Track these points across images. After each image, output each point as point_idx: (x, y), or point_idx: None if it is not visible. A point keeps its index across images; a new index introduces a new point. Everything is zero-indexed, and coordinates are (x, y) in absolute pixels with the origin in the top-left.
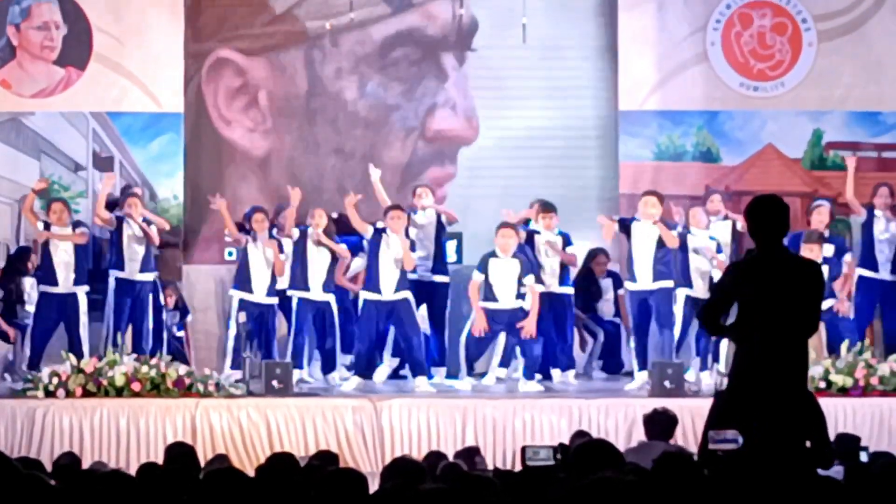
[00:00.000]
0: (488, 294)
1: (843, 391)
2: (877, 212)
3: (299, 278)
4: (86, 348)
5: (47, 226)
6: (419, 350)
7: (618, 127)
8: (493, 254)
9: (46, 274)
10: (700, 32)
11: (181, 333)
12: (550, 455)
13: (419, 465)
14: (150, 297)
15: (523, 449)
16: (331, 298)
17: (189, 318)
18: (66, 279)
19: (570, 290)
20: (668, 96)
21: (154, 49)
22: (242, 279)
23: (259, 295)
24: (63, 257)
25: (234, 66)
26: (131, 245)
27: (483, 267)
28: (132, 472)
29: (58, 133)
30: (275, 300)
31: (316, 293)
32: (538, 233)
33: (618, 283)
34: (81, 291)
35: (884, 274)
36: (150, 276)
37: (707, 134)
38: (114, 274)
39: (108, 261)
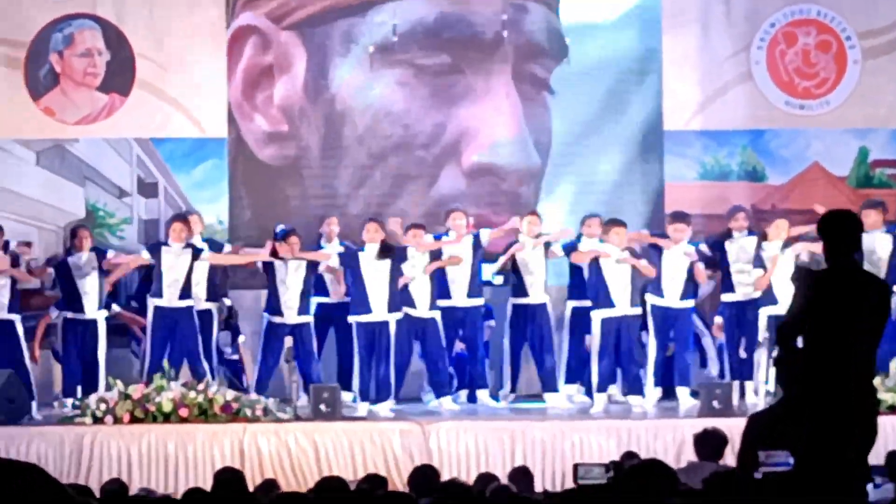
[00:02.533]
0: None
1: (893, 409)
2: None
3: (356, 299)
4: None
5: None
6: (444, 371)
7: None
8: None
9: (70, 300)
10: (744, 52)
11: (235, 357)
12: (603, 473)
13: (468, 487)
14: (196, 322)
15: (575, 467)
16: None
17: (241, 339)
18: (91, 305)
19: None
20: (712, 116)
21: (197, 75)
22: (273, 301)
23: (291, 316)
24: (90, 283)
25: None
26: (168, 271)
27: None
28: (179, 498)
29: (102, 159)
30: (310, 319)
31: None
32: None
33: None
34: (101, 317)
35: None
36: (190, 303)
37: (752, 153)
38: (153, 302)
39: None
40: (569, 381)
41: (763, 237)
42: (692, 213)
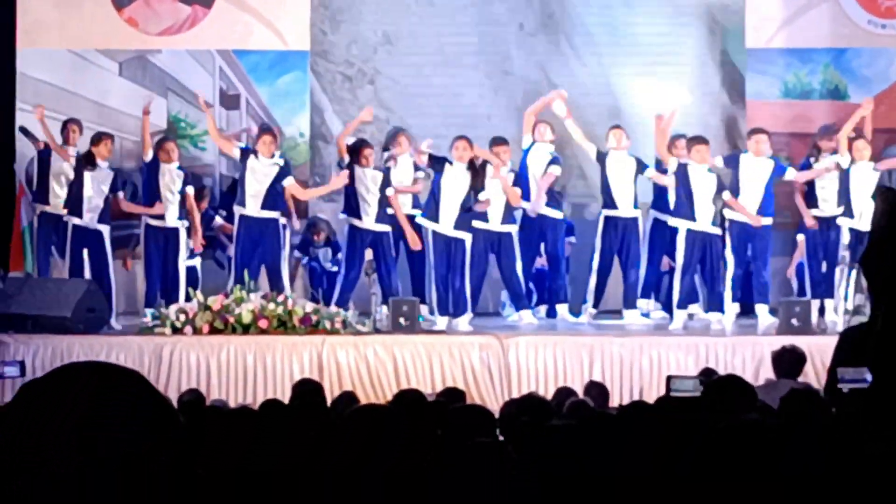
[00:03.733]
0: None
1: None
2: None
3: (432, 209)
4: (182, 284)
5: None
6: (521, 285)
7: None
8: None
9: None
10: None
11: (336, 268)
12: (696, 385)
13: (545, 401)
14: (281, 234)
15: (668, 378)
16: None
17: (340, 255)
18: (172, 214)
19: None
20: (795, 34)
21: None
22: (351, 206)
23: (369, 222)
24: (168, 190)
25: None
26: (253, 182)
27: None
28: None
29: (184, 71)
30: (388, 228)
31: (446, 227)
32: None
33: None
34: (182, 226)
35: None
36: (273, 214)
37: (834, 71)
38: (238, 210)
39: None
40: (644, 295)
41: (851, 158)
42: (774, 131)
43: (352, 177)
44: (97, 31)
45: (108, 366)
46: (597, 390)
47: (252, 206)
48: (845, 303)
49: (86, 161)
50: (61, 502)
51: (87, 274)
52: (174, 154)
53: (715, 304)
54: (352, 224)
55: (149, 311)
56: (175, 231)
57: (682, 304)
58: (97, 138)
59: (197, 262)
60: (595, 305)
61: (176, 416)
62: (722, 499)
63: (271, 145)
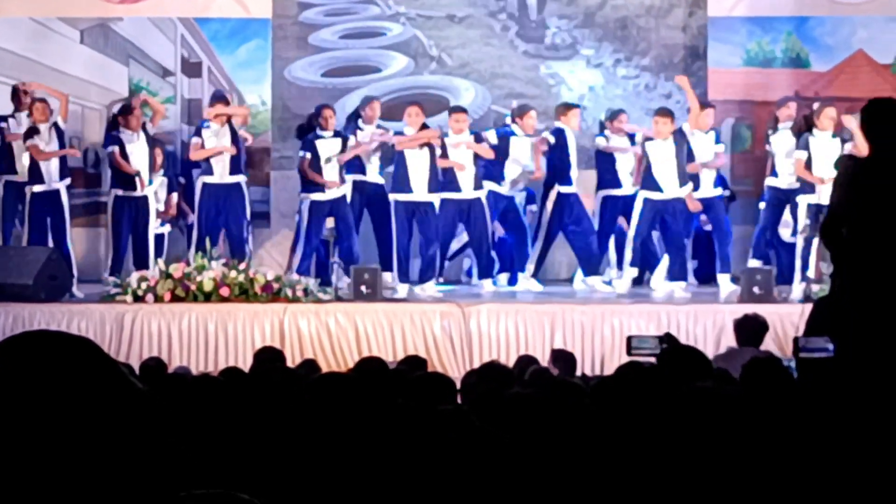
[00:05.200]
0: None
1: None
2: None
3: (400, 178)
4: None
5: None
6: (489, 251)
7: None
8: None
9: (122, 179)
10: None
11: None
12: (657, 344)
13: (507, 369)
14: (246, 199)
15: (629, 339)
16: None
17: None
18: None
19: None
20: (757, 2)
21: None
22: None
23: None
24: (141, 161)
25: None
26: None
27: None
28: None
29: (146, 39)
30: (346, 191)
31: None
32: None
33: None
34: (151, 192)
35: None
36: (238, 178)
37: (796, 40)
38: (202, 179)
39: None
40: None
41: (809, 126)
42: (735, 99)
43: (313, 146)
44: None
45: (56, 334)
46: (563, 358)
47: (219, 171)
48: (806, 272)
49: (29, 134)
50: (9, 472)
51: (50, 242)
52: (137, 121)
53: (677, 273)
54: (311, 199)
55: (111, 279)
56: (145, 199)
57: (634, 263)
58: (30, 104)
59: (166, 229)
60: (534, 274)
61: (131, 384)
62: (684, 466)
63: (223, 116)
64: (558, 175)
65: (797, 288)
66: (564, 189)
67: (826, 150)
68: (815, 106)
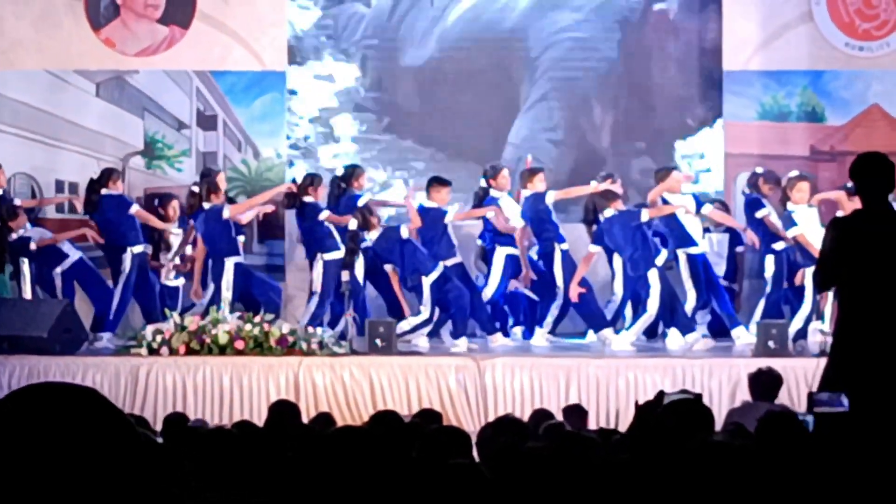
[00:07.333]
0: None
1: None
2: None
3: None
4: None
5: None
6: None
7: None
8: None
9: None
10: None
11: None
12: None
13: (522, 423)
14: None
15: (660, 393)
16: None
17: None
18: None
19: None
20: (772, 56)
21: (258, 7)
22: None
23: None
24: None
25: None
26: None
27: None
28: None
29: (161, 92)
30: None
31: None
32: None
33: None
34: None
35: None
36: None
37: (812, 94)
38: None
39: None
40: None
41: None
42: (751, 153)
43: (315, 211)
44: (74, 51)
45: (62, 385)
46: (576, 413)
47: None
48: (821, 323)
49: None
50: None
51: (59, 294)
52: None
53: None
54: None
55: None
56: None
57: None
58: None
59: (180, 282)
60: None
61: (138, 435)
62: None
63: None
64: (557, 235)
65: (812, 340)
66: (564, 247)
67: (808, 223)
68: (785, 181)
